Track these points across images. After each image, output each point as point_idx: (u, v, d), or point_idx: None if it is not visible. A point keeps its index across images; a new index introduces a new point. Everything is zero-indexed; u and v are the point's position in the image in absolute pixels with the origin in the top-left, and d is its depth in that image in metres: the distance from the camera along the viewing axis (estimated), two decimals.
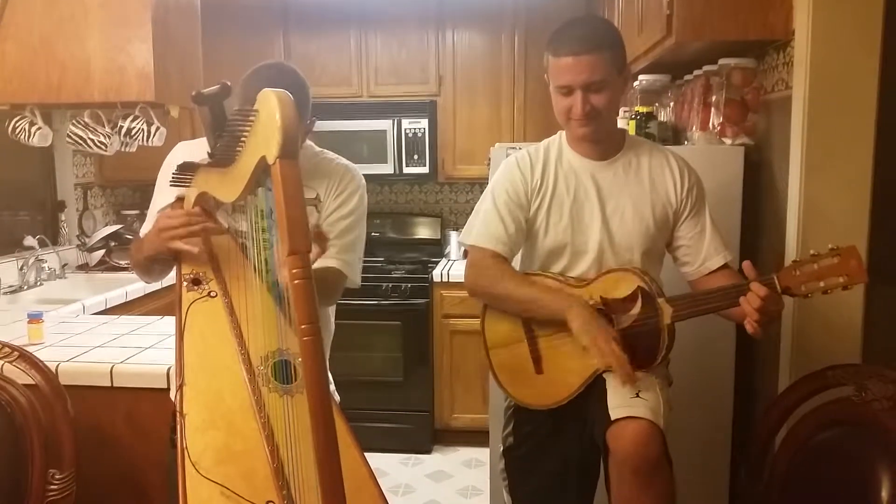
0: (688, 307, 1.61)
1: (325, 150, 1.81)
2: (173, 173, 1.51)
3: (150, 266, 1.67)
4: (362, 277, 1.80)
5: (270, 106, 1.00)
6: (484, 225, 1.75)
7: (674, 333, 1.63)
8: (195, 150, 1.67)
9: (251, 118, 1.07)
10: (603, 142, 1.72)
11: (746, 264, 1.57)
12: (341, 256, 1.70)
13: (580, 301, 1.63)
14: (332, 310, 1.87)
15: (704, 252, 1.73)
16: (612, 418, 1.55)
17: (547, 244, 1.74)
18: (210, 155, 1.37)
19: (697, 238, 1.74)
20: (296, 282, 0.98)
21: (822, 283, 1.51)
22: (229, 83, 1.43)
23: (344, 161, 1.80)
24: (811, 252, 1.53)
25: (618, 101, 1.69)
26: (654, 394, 1.59)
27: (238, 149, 1.17)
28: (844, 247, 1.50)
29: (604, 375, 1.66)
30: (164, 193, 1.71)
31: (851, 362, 1.73)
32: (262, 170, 1.09)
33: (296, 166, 1.00)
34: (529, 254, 1.80)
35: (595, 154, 1.73)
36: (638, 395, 1.57)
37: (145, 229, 1.77)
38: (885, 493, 1.42)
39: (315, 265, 1.63)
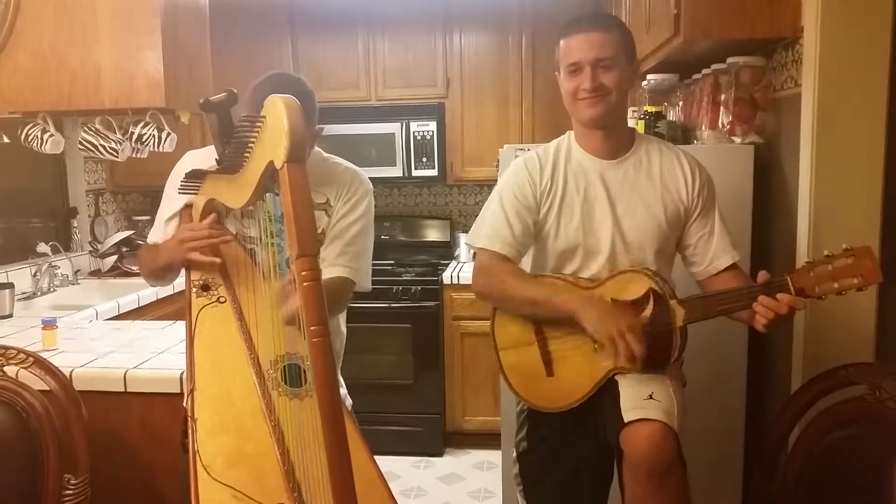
0: (700, 309, 1.60)
1: (333, 156, 1.83)
2: (182, 181, 1.53)
3: (166, 274, 1.71)
4: (373, 280, 1.82)
5: (278, 111, 1.01)
6: (491, 227, 1.75)
7: (686, 335, 1.62)
8: (203, 158, 1.69)
9: (258, 125, 1.09)
10: (612, 135, 1.71)
11: (762, 274, 1.56)
12: (350, 264, 1.71)
13: (591, 298, 1.63)
14: (342, 316, 1.88)
15: (713, 252, 1.73)
16: (626, 420, 1.54)
17: (559, 245, 1.73)
18: (218, 162, 1.39)
19: (706, 238, 1.73)
20: (305, 284, 0.99)
21: (836, 285, 1.50)
22: (236, 91, 1.44)
23: (352, 166, 1.82)
24: (825, 253, 1.52)
25: (627, 88, 1.69)
26: (667, 395, 1.58)
27: (246, 155, 1.18)
28: (859, 247, 1.49)
29: (616, 377, 1.66)
30: (172, 201, 1.73)
31: (864, 361, 1.71)
32: (270, 175, 1.11)
33: (303, 170, 1.01)
34: (541, 256, 1.79)
35: (604, 153, 1.72)
36: (651, 397, 1.56)
37: (153, 236, 1.80)
38: None
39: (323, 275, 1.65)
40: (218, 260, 1.55)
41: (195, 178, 1.50)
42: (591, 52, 1.61)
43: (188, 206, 1.67)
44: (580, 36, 1.63)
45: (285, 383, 1.32)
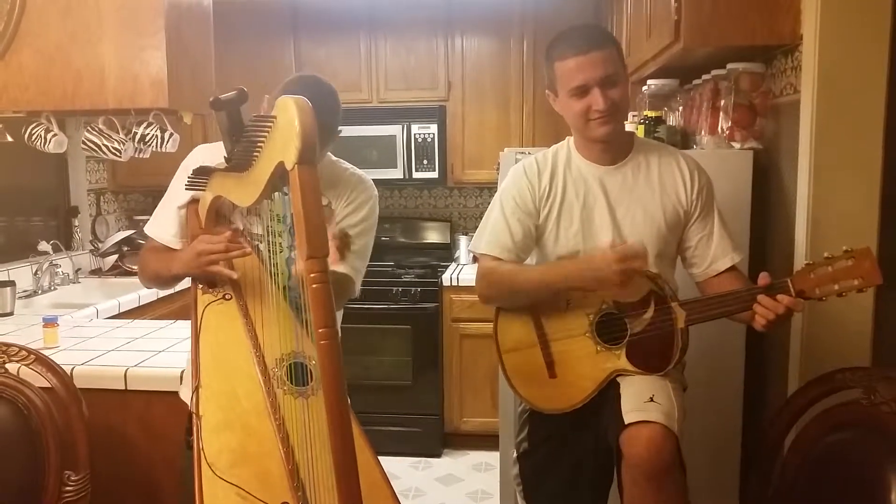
0: (701, 311, 1.62)
1: (342, 160, 1.83)
2: (189, 177, 1.53)
3: (173, 282, 1.70)
4: (373, 282, 1.83)
5: (289, 113, 1.01)
6: (492, 233, 1.76)
7: (687, 337, 1.64)
8: (214, 153, 1.68)
9: (269, 124, 1.09)
10: (614, 145, 1.72)
11: (763, 276, 1.58)
12: (351, 263, 1.71)
13: (576, 260, 1.69)
14: (339, 314, 1.89)
15: (712, 254, 1.74)
16: (626, 422, 1.55)
17: (559, 250, 1.74)
18: (227, 159, 1.39)
19: (706, 240, 1.74)
20: (313, 286, 1.00)
21: (836, 286, 1.52)
22: (245, 89, 1.45)
23: (358, 171, 1.82)
24: (825, 255, 1.53)
25: (629, 100, 1.70)
26: (668, 398, 1.59)
27: (255, 154, 1.18)
28: (858, 249, 1.51)
29: (617, 380, 1.67)
30: (178, 194, 1.72)
31: (861, 365, 1.73)
32: (279, 175, 1.11)
33: (314, 172, 1.01)
34: (542, 261, 1.80)
35: (604, 159, 1.74)
36: (652, 400, 1.58)
37: (151, 227, 1.76)
38: (894, 496, 1.42)
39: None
40: (234, 275, 1.50)
41: (202, 174, 1.50)
42: (597, 71, 1.60)
43: (195, 201, 1.66)
44: (581, 58, 1.60)
45: (290, 382, 1.32)
